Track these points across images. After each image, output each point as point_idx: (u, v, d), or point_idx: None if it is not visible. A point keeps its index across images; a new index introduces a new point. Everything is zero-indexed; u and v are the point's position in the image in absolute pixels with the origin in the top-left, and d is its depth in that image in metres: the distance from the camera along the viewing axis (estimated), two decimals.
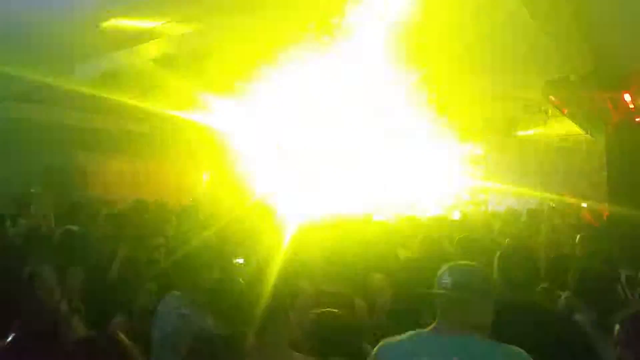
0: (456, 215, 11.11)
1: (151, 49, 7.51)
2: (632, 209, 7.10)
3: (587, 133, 10.82)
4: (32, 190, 8.03)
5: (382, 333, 2.61)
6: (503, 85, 9.78)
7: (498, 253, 2.87)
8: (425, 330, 2.06)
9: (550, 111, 10.64)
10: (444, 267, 2.11)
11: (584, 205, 8.13)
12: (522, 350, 1.91)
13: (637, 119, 9.07)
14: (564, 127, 11.70)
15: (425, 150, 14.44)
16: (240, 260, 3.78)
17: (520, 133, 12.88)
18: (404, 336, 2.08)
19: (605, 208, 8.47)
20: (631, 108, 8.59)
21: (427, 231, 6.13)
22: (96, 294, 3.30)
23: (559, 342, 2.28)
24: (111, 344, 2.08)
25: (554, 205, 9.50)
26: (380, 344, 2.11)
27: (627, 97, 8.15)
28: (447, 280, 2.03)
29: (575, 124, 10.20)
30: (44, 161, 12.24)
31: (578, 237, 4.75)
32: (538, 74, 8.30)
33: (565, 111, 9.17)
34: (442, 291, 2.02)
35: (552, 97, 8.51)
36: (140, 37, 7.18)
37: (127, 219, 6.00)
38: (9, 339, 2.28)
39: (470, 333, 1.96)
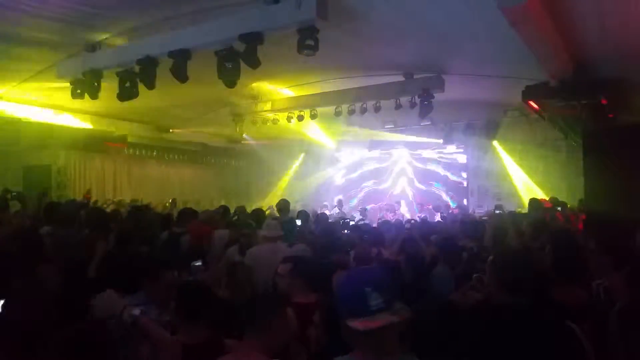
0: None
1: None
2: (608, 214, 7.22)
3: (566, 138, 10.97)
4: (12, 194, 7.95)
5: None
6: (484, 91, 9.90)
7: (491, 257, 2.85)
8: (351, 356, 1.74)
9: (530, 116, 10.80)
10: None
11: (559, 209, 8.23)
12: None
13: (614, 125, 9.24)
14: (543, 132, 11.88)
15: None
16: (199, 263, 3.75)
17: (500, 137, 13.04)
18: None
19: (582, 212, 8.61)
20: (608, 113, 8.74)
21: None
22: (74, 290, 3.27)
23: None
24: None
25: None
26: None
27: (605, 103, 8.30)
28: (377, 300, 1.65)
29: (555, 128, 10.34)
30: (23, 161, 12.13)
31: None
32: (518, 79, 8.42)
33: (545, 116, 9.30)
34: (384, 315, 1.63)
35: (532, 103, 8.61)
36: None
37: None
38: None
39: (405, 353, 1.73)
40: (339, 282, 1.81)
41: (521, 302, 2.34)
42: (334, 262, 4.29)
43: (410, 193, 15.50)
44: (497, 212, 9.66)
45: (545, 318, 2.38)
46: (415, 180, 15.56)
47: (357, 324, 1.62)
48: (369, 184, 16.36)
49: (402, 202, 14.83)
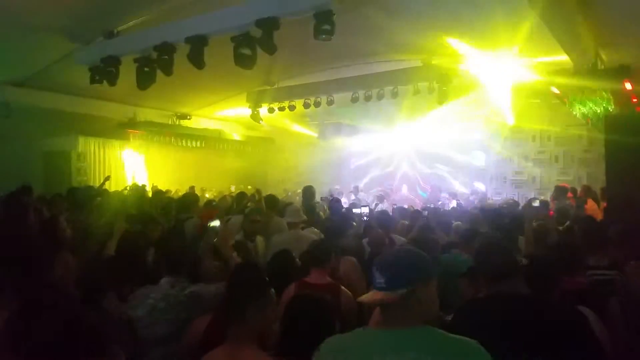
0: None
1: None
2: (630, 201, 7.09)
3: (587, 123, 10.77)
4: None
5: None
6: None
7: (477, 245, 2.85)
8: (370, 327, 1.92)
9: (551, 101, 10.62)
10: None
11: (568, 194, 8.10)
12: (473, 340, 1.76)
13: (637, 109, 9.04)
14: (565, 117, 11.67)
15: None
16: (216, 223, 3.72)
17: (521, 122, 12.79)
18: (349, 333, 1.94)
19: (603, 198, 8.48)
20: (632, 98, 8.56)
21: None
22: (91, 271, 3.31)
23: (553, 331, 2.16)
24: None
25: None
26: (325, 341, 1.94)
27: (628, 87, 8.12)
28: (380, 279, 1.84)
29: (576, 114, 10.16)
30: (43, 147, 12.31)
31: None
32: (538, 63, 8.28)
33: (567, 101, 9.14)
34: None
35: (553, 87, 8.48)
36: None
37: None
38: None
39: (421, 324, 1.81)
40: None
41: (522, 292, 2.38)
42: (342, 247, 4.30)
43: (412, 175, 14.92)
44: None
45: (552, 304, 2.41)
46: (417, 162, 14.87)
47: (362, 296, 1.91)
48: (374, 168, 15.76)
49: (404, 187, 14.61)
